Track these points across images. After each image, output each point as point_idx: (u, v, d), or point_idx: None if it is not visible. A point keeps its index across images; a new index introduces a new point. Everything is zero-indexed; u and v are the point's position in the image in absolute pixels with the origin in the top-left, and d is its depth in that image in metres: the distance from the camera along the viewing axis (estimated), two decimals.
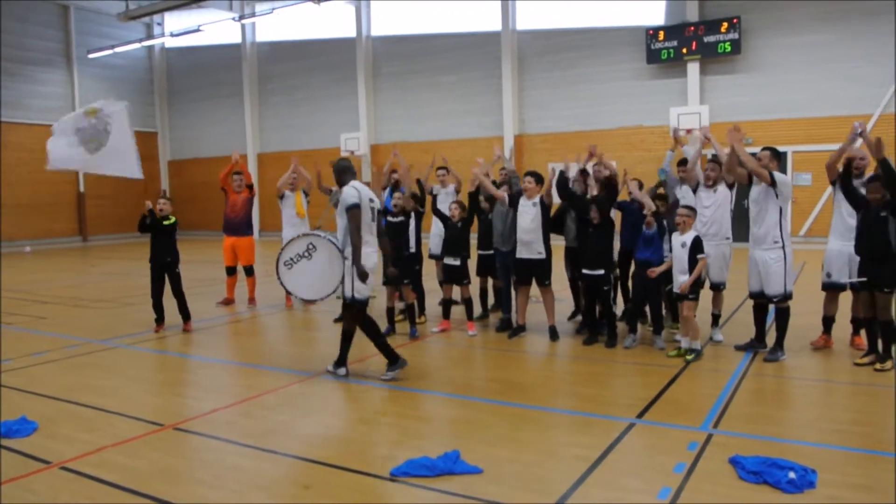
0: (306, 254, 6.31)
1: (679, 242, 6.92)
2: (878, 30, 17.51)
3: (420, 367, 6.96)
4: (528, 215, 7.69)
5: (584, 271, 7.61)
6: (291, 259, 6.33)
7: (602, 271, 7.49)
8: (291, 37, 25.82)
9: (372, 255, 6.26)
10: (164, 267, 8.48)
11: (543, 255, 7.75)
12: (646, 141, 20.19)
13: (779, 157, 6.88)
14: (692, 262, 6.77)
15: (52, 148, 7.99)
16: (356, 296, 6.20)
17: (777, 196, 6.62)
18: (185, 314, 8.64)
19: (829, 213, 6.99)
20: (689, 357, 6.83)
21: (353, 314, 6.36)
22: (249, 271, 10.47)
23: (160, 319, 8.62)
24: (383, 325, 8.23)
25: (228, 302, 10.54)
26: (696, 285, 6.91)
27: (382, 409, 5.64)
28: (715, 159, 7.74)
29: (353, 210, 6.03)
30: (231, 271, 10.54)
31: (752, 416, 5.24)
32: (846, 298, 7.12)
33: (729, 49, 18.94)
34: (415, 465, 4.28)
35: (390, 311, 8.37)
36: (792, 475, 4.07)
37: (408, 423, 5.29)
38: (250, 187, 10.24)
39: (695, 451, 4.53)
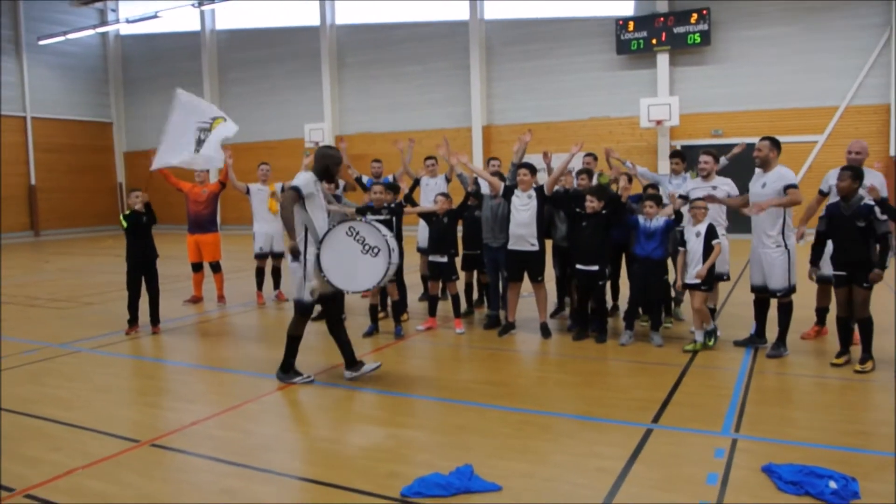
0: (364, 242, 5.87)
1: (693, 233, 6.75)
2: (844, 24, 17.64)
3: (409, 369, 6.60)
4: (526, 210, 7.33)
5: (578, 267, 7.31)
6: (372, 246, 5.84)
7: (597, 267, 7.20)
8: (253, 24, 25.03)
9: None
10: (145, 265, 7.94)
11: (537, 247, 7.43)
12: (615, 132, 20.05)
13: (779, 147, 6.63)
14: (707, 251, 6.64)
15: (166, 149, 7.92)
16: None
17: (784, 190, 6.39)
18: (157, 316, 8.09)
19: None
20: (709, 343, 6.80)
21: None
22: (216, 268, 9.93)
23: (134, 321, 8.05)
24: (366, 322, 7.87)
25: (196, 300, 9.99)
26: (711, 276, 6.78)
27: (375, 417, 5.24)
28: (708, 151, 7.50)
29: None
30: (197, 267, 9.99)
31: (770, 418, 4.98)
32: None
33: (699, 40, 18.88)
34: (427, 483, 3.89)
35: (373, 309, 7.95)
36: (833, 485, 3.81)
37: (407, 434, 4.89)
38: (223, 183, 9.65)
39: (723, 458, 4.24)
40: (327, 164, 6.00)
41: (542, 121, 20.60)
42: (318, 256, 5.82)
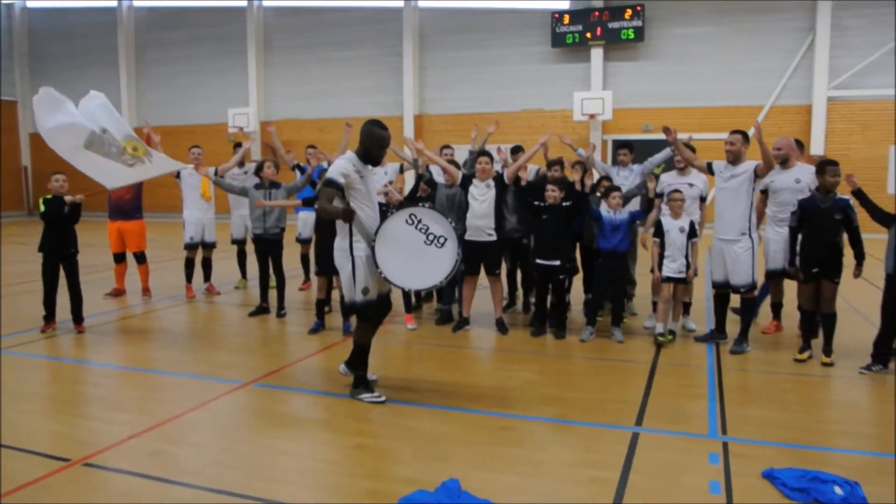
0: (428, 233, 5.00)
1: (676, 227, 6.67)
2: (771, 26, 18.13)
3: None
4: (484, 200, 7.01)
5: (539, 261, 7.02)
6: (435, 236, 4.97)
7: (558, 262, 6.93)
8: (173, 2, 23.67)
9: None
10: (63, 258, 7.12)
11: (494, 237, 7.10)
12: (547, 125, 19.90)
13: (748, 141, 6.53)
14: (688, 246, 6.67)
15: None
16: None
17: (753, 184, 6.30)
18: (80, 315, 7.30)
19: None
20: (668, 338, 6.75)
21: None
22: (141, 258, 9.12)
23: (50, 317, 7.22)
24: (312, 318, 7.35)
25: (118, 293, 9.17)
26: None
27: (339, 425, 4.76)
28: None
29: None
30: (119, 258, 9.16)
31: (753, 418, 4.81)
32: (790, 285, 6.96)
33: (632, 36, 19.02)
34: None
35: (320, 304, 7.43)
36: (839, 491, 3.64)
37: (378, 444, 4.46)
38: None
39: (719, 464, 4.02)
40: (368, 147, 5.03)
41: (475, 111, 20.29)
42: (371, 252, 4.98)
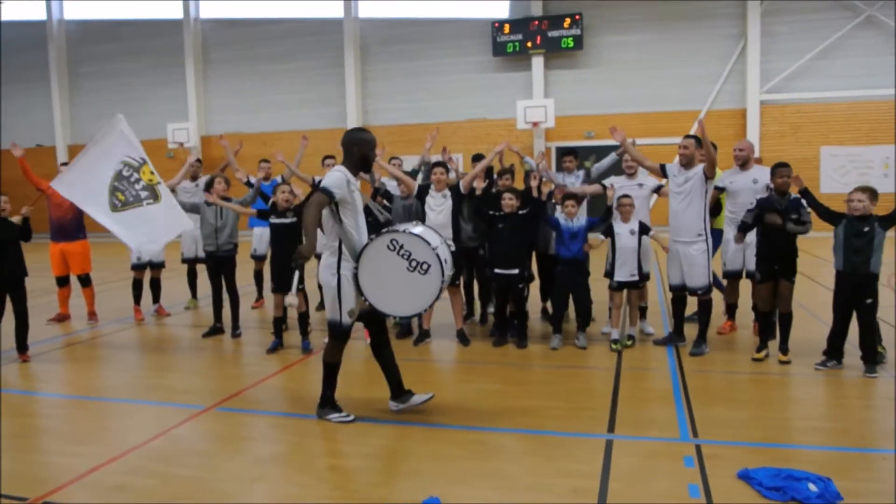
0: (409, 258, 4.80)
1: (627, 230, 6.74)
2: (704, 33, 18.74)
3: None
4: (441, 210, 6.99)
5: (497, 271, 7.02)
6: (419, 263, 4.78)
7: (516, 270, 6.94)
8: (107, 15, 22.98)
9: None
10: (10, 283, 6.76)
11: (453, 248, 7.06)
12: (492, 134, 20.12)
13: (701, 145, 6.67)
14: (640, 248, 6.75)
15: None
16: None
17: (706, 186, 6.45)
18: (25, 343, 6.94)
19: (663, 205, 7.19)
20: (628, 343, 6.89)
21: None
22: (86, 281, 8.76)
23: None
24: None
25: (62, 318, 8.78)
26: (641, 275, 6.88)
27: (308, 446, 4.64)
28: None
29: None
30: (63, 281, 8.78)
31: (721, 420, 4.88)
32: (745, 286, 7.17)
33: (572, 45, 19.36)
34: None
35: (277, 322, 7.26)
36: (813, 487, 3.73)
37: (350, 464, 4.36)
38: None
39: (695, 467, 4.07)
40: (365, 152, 4.89)
41: (418, 122, 20.36)
42: (356, 274, 4.82)
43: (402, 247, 4.78)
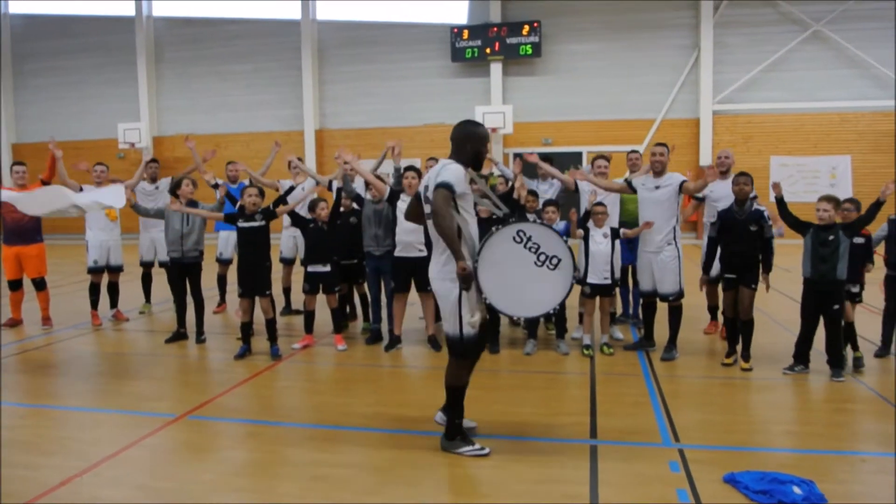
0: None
1: (600, 234, 6.79)
2: (659, 43, 19.10)
3: (303, 395, 5.92)
4: None
5: None
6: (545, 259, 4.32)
7: None
8: (53, 11, 22.23)
9: None
10: None
11: (425, 252, 7.01)
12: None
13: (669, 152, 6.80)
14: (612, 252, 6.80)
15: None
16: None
17: (678, 196, 6.57)
18: None
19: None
20: (610, 351, 6.92)
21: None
22: (41, 285, 8.41)
23: None
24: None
25: (15, 323, 8.41)
26: (615, 281, 6.95)
27: (291, 456, 4.53)
28: (603, 156, 7.69)
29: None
30: (16, 285, 8.42)
31: (701, 424, 4.96)
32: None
33: (530, 51, 19.52)
34: None
35: (245, 328, 7.09)
36: (798, 490, 3.80)
37: (337, 474, 4.25)
38: (46, 182, 8.16)
39: (681, 472, 4.10)
40: (478, 149, 4.41)
41: (377, 126, 20.27)
42: (475, 268, 4.25)
43: (529, 238, 4.31)
